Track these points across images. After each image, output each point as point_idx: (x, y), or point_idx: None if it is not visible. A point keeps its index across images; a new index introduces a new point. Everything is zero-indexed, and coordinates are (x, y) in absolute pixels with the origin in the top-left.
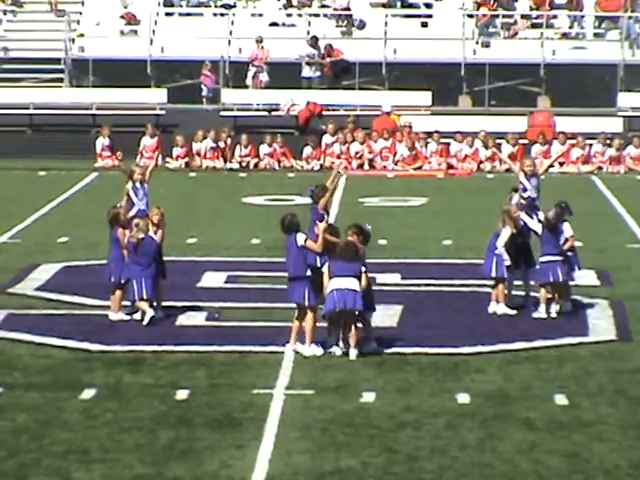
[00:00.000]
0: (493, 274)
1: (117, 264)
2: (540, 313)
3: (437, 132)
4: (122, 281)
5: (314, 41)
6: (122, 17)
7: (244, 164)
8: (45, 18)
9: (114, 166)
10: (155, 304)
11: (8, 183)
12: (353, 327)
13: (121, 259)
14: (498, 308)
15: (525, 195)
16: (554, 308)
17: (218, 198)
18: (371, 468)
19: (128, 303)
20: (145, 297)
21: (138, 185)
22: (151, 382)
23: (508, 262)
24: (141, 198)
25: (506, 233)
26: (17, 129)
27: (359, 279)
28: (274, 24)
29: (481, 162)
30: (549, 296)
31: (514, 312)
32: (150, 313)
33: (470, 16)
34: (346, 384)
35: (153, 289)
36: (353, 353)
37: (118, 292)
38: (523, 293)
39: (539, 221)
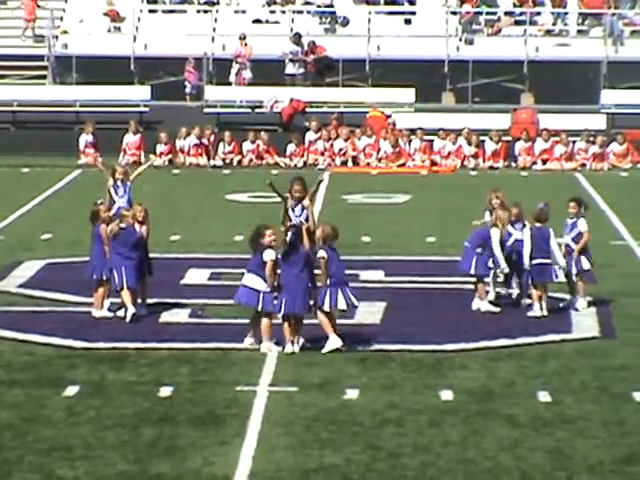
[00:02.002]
0: (472, 272)
1: (99, 261)
2: (535, 312)
3: (421, 129)
4: (104, 278)
5: (297, 38)
6: (106, 14)
7: (227, 161)
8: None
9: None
10: (140, 300)
11: None
12: (262, 321)
13: (103, 256)
14: (481, 305)
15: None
16: (544, 306)
17: (202, 195)
18: (354, 465)
19: (113, 300)
20: (127, 285)
21: (119, 183)
22: (134, 379)
23: (506, 270)
24: (121, 196)
25: (496, 234)
26: (0, 126)
27: (261, 275)
28: (257, 21)
29: (465, 159)
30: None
31: (498, 309)
32: (131, 310)
33: (454, 13)
34: (329, 381)
35: (136, 279)
36: (262, 346)
37: (101, 289)
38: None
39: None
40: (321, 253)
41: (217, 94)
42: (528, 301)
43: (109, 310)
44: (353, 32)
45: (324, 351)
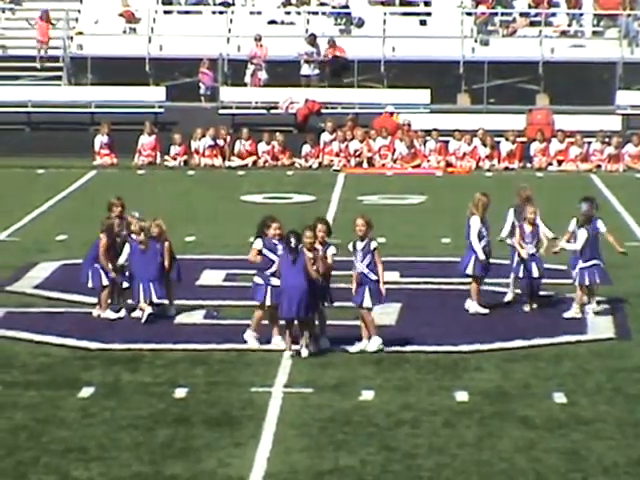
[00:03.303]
0: (470, 272)
1: (87, 268)
2: (572, 313)
3: (436, 130)
4: (104, 283)
5: (312, 39)
6: (121, 15)
7: (244, 158)
8: None
9: (112, 164)
10: (167, 302)
11: (6, 181)
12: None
13: (93, 263)
14: (471, 306)
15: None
16: (590, 307)
17: (217, 196)
18: (369, 466)
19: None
20: (155, 299)
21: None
22: (149, 380)
23: (482, 256)
24: None
25: (476, 222)
26: (15, 127)
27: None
28: (273, 22)
29: (480, 160)
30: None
31: (487, 311)
32: (148, 310)
33: (469, 14)
34: (345, 382)
35: (162, 290)
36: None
37: (105, 291)
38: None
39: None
40: (374, 244)
41: (232, 95)
42: (527, 308)
43: (114, 311)
44: (368, 33)
45: (370, 350)
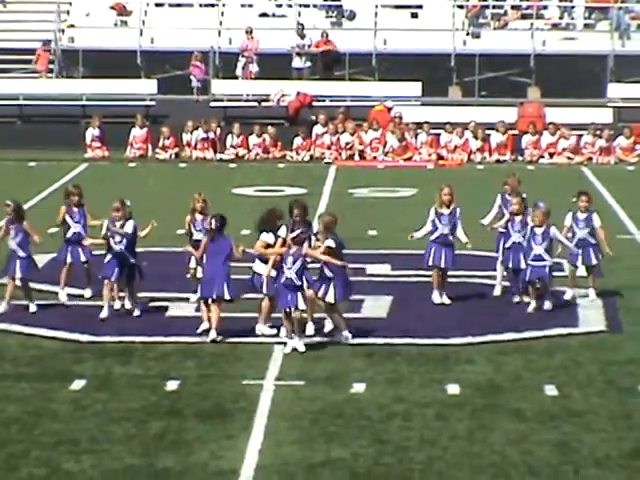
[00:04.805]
0: (430, 263)
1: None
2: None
3: (427, 123)
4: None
5: (300, 29)
6: (112, 8)
7: (235, 154)
8: (35, 9)
9: (104, 157)
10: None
11: None
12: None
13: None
14: (434, 296)
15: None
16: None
17: (208, 189)
18: (361, 459)
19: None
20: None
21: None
22: (141, 373)
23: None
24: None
25: (432, 211)
26: (7, 120)
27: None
28: (264, 15)
29: (471, 153)
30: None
31: (449, 302)
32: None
33: (460, 7)
34: (336, 375)
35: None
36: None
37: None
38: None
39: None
40: (328, 242)
41: (224, 88)
42: (516, 299)
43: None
44: (360, 26)
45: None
